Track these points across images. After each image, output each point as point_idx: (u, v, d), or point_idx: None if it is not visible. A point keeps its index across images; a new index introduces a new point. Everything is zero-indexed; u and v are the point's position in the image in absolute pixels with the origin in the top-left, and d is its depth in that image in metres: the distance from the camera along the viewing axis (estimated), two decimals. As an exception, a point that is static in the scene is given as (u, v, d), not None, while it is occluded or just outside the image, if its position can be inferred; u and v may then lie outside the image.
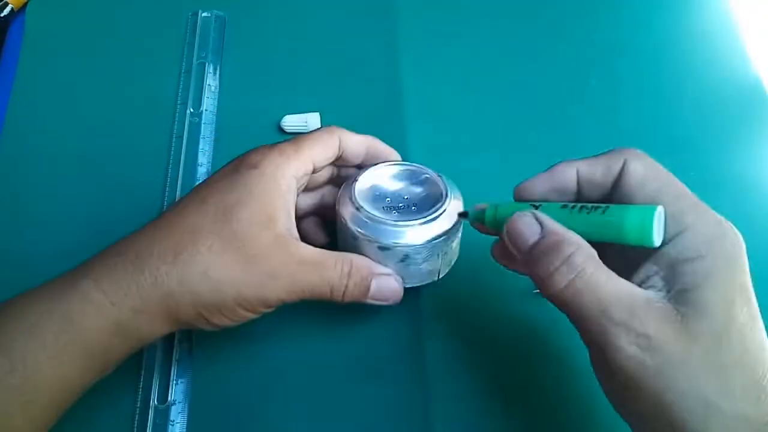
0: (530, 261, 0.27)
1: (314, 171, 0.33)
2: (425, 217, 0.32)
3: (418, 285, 0.34)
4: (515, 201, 0.31)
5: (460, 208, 0.33)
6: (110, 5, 0.50)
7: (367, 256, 0.32)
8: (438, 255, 0.33)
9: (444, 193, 0.33)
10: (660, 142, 0.43)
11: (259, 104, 0.45)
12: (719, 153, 0.43)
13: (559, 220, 0.27)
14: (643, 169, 0.27)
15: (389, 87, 0.46)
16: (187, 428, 0.35)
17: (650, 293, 0.25)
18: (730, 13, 0.49)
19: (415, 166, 0.35)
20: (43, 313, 0.27)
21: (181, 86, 0.46)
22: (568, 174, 0.29)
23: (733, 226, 0.26)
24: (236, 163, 0.31)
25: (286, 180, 0.30)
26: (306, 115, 0.44)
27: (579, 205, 0.27)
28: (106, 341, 0.28)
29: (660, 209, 0.25)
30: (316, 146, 0.32)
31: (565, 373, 0.35)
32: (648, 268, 0.26)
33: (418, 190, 0.34)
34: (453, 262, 0.36)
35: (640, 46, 0.47)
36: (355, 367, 0.36)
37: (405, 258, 0.32)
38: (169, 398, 0.35)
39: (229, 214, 0.29)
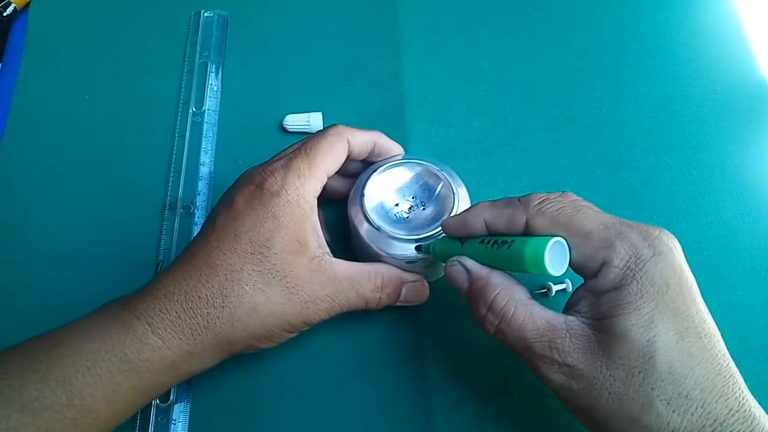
0: (469, 302, 0.30)
1: (328, 179, 0.34)
2: (435, 226, 0.33)
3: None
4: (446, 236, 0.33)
5: (467, 199, 0.34)
6: (113, 5, 0.50)
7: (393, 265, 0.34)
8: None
9: (452, 192, 0.34)
10: (663, 141, 0.43)
11: (262, 104, 0.45)
12: (722, 152, 0.42)
13: (478, 255, 0.30)
14: (545, 224, 0.28)
15: (391, 86, 0.45)
16: (189, 427, 0.35)
17: (572, 321, 0.27)
18: (734, 11, 0.49)
19: (414, 161, 0.36)
20: (100, 353, 0.28)
21: (183, 86, 0.46)
22: (476, 222, 0.30)
23: (655, 241, 0.26)
24: (255, 188, 0.31)
25: (308, 202, 0.32)
26: (308, 114, 0.44)
27: (493, 239, 0.29)
28: (160, 381, 0.29)
29: (554, 240, 0.26)
30: (327, 158, 0.33)
31: None
32: (579, 293, 0.28)
33: (424, 186, 0.35)
34: None
35: (643, 46, 0.47)
36: (356, 367, 0.36)
37: (431, 264, 0.34)
38: (171, 397, 0.35)
39: (264, 248, 0.30)
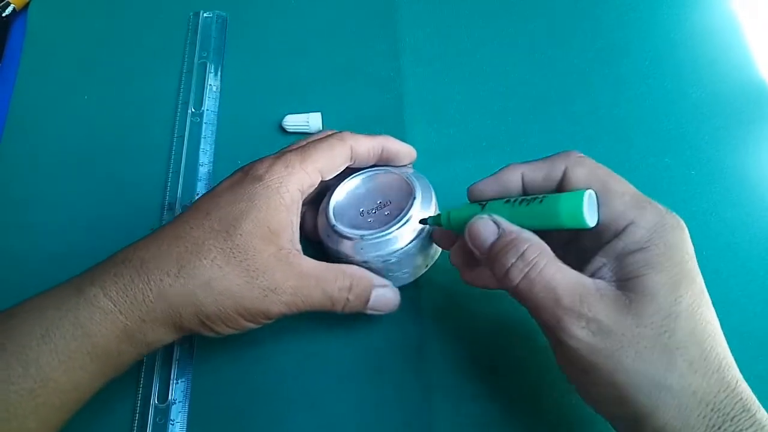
0: (490, 259, 0.29)
1: (322, 180, 0.33)
2: (389, 228, 0.33)
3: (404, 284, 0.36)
4: (468, 202, 0.32)
5: (429, 201, 0.34)
6: (112, 5, 0.50)
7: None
8: (416, 255, 0.34)
9: (412, 189, 0.34)
10: (662, 141, 0.43)
11: (261, 104, 0.45)
12: (721, 152, 0.42)
13: (504, 215, 0.29)
14: (584, 174, 0.28)
15: (390, 87, 0.45)
16: (187, 427, 0.35)
17: (600, 282, 0.27)
18: (732, 11, 0.49)
19: (377, 170, 0.35)
20: (54, 320, 0.28)
21: (182, 86, 0.46)
22: (512, 177, 0.30)
23: (676, 216, 0.27)
24: (241, 175, 0.31)
25: (290, 193, 0.31)
26: (307, 115, 0.44)
27: (520, 198, 0.29)
28: (115, 347, 0.29)
29: (589, 192, 0.27)
30: (323, 157, 0.32)
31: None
32: (598, 261, 0.28)
33: (387, 191, 0.35)
34: (437, 256, 0.37)
35: (642, 46, 0.47)
36: (355, 367, 0.36)
37: (406, 264, 0.34)
38: (169, 397, 0.35)
39: (231, 227, 0.29)
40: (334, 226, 0.33)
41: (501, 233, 0.29)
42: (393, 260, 0.33)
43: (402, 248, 0.33)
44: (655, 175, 0.42)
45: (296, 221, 0.32)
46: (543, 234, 0.29)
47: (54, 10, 0.50)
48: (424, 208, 0.34)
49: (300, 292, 0.30)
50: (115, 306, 0.28)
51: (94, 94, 0.46)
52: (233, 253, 0.29)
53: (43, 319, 0.28)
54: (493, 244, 0.28)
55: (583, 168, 0.28)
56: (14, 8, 0.50)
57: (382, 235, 0.32)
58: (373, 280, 0.33)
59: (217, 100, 0.46)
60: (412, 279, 0.36)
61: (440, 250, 0.36)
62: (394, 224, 0.33)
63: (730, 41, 0.47)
